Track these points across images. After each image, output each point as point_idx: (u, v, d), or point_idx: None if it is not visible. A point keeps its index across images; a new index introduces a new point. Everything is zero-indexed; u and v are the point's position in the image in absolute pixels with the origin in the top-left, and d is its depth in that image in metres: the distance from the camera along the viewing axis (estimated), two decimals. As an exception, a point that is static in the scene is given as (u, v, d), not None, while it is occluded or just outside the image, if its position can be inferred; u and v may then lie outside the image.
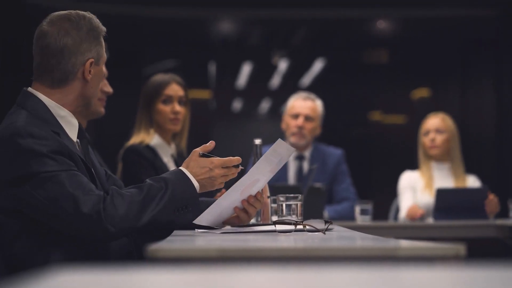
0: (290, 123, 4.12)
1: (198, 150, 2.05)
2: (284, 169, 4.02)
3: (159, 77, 3.29)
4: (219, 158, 2.04)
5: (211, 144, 2.07)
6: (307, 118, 4.10)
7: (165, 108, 3.23)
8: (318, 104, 4.17)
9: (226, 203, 2.06)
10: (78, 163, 1.93)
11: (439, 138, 4.10)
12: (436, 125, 4.12)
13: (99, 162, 2.23)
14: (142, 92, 3.29)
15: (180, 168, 2.03)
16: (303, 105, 4.12)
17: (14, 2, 5.43)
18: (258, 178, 2.03)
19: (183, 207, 1.96)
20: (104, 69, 2.13)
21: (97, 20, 2.07)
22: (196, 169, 2.01)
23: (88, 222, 1.83)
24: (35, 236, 1.89)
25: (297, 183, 4.00)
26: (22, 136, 1.86)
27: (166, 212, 1.93)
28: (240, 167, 2.06)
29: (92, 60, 2.02)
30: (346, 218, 3.91)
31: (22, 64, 5.20)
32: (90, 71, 2.02)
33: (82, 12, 2.06)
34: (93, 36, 2.03)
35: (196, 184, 2.00)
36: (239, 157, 2.05)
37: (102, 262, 1.94)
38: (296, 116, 4.11)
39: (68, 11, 2.05)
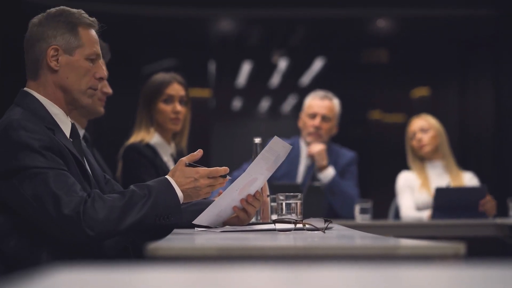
0: (307, 123, 4.12)
1: (185, 159, 2.02)
2: (295, 164, 4.02)
3: (160, 76, 3.28)
4: (205, 168, 2.01)
5: (198, 153, 2.04)
6: (324, 118, 4.11)
7: (166, 108, 3.22)
8: (335, 103, 4.17)
9: (224, 203, 2.05)
10: (68, 159, 1.92)
11: (426, 137, 4.15)
12: (419, 126, 4.17)
13: (98, 162, 2.22)
14: (143, 91, 3.28)
15: (165, 176, 2.01)
16: (320, 105, 4.12)
17: (13, 1, 5.42)
18: (256, 177, 2.03)
19: (164, 216, 1.94)
20: (104, 68, 2.09)
21: (79, 11, 2.03)
22: (181, 179, 1.99)
23: (67, 223, 1.81)
24: (28, 234, 1.88)
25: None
26: (15, 129, 1.86)
27: (147, 220, 1.90)
28: (228, 177, 2.03)
29: (56, 46, 1.99)
30: (345, 196, 3.91)
31: (22, 64, 5.19)
32: (57, 60, 1.99)
33: (68, 8, 2.03)
34: (63, 23, 2.00)
35: (180, 194, 1.97)
36: (226, 167, 2.02)
37: (97, 258, 1.93)
38: (313, 116, 4.11)
39: (58, 7, 2.04)
